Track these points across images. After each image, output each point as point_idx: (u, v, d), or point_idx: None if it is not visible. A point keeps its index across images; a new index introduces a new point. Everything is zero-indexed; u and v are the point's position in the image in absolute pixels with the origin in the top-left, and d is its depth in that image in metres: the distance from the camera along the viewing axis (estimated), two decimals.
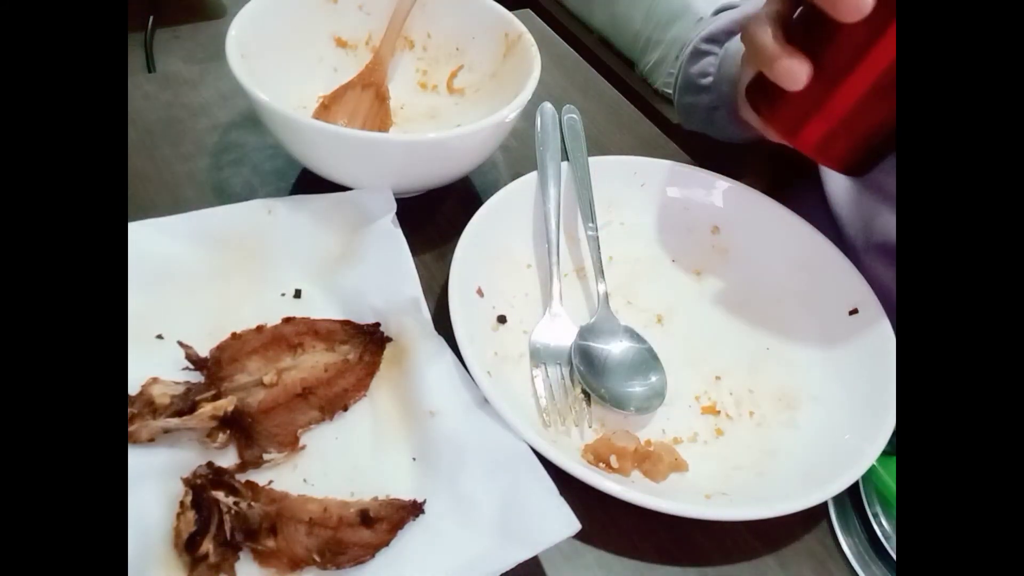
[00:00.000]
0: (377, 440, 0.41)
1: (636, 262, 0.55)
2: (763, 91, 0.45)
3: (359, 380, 0.43)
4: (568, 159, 0.55)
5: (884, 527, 0.41)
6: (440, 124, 0.60)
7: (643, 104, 1.10)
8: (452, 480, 0.38)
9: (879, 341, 0.47)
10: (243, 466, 0.38)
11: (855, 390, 0.46)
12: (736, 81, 0.53)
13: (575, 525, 0.36)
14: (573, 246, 0.54)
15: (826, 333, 0.50)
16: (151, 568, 0.34)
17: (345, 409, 0.42)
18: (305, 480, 0.39)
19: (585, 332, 0.47)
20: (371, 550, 0.35)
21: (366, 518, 0.36)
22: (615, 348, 0.47)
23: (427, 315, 0.44)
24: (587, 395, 0.45)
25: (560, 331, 0.48)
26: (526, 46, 0.56)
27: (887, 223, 0.54)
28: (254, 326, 0.43)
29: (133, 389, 0.39)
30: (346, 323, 0.44)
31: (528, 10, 0.76)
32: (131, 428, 0.37)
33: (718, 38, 0.58)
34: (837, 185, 0.59)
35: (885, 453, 0.41)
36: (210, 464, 0.37)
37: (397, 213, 0.48)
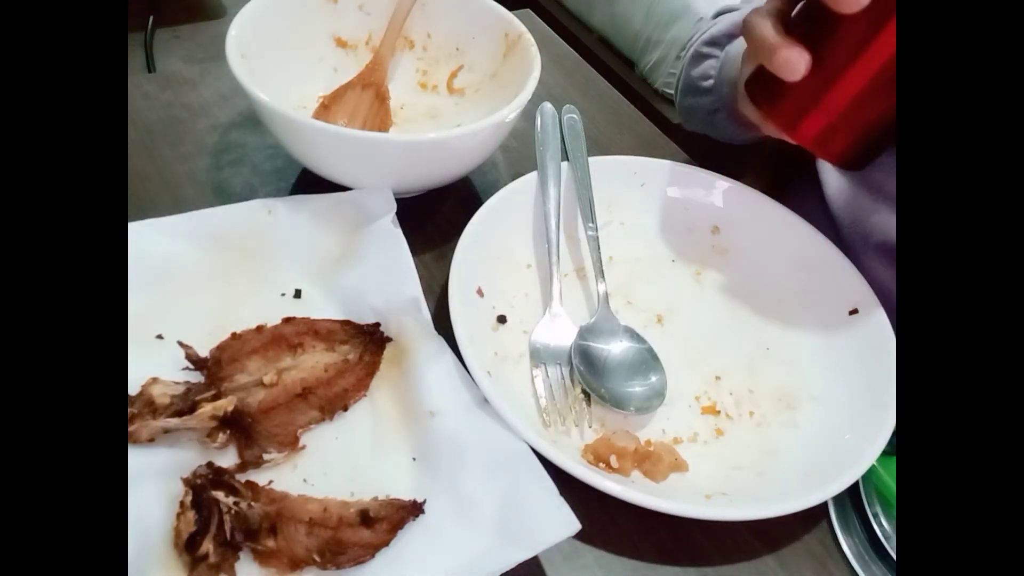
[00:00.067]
0: (377, 440, 0.41)
1: (636, 262, 0.55)
2: (763, 85, 0.45)
3: (359, 380, 0.43)
4: (568, 159, 0.55)
5: (884, 527, 0.41)
6: (440, 124, 0.60)
7: (643, 104, 1.10)
8: (452, 480, 0.38)
9: (879, 341, 0.47)
10: (243, 466, 0.38)
11: (855, 390, 0.46)
12: (736, 83, 0.53)
13: (575, 525, 0.36)
14: (573, 246, 0.54)
15: (826, 333, 0.50)
16: (151, 568, 0.34)
17: (345, 409, 0.42)
18: (305, 480, 0.39)
19: (585, 332, 0.47)
20: (371, 550, 0.35)
21: (366, 518, 0.36)
22: (615, 348, 0.47)
23: (427, 315, 0.44)
24: (587, 395, 0.45)
25: (560, 331, 0.48)
26: (526, 46, 0.56)
27: (884, 222, 0.54)
28: (254, 326, 0.43)
29: (133, 389, 0.39)
30: (346, 323, 0.44)
31: (528, 10, 0.76)
32: (131, 428, 0.37)
33: (719, 41, 0.58)
34: (833, 186, 0.59)
35: (885, 453, 0.41)
36: (210, 464, 0.37)
37: (397, 213, 0.48)
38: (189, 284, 0.45)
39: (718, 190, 0.57)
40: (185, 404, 0.38)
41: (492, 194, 0.51)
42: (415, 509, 0.37)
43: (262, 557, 0.35)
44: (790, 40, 0.41)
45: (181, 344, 0.41)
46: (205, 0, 0.80)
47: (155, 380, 0.39)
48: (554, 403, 0.44)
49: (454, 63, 0.62)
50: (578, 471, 0.38)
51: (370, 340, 0.44)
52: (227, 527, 0.34)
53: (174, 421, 0.38)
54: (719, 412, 0.46)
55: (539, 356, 0.46)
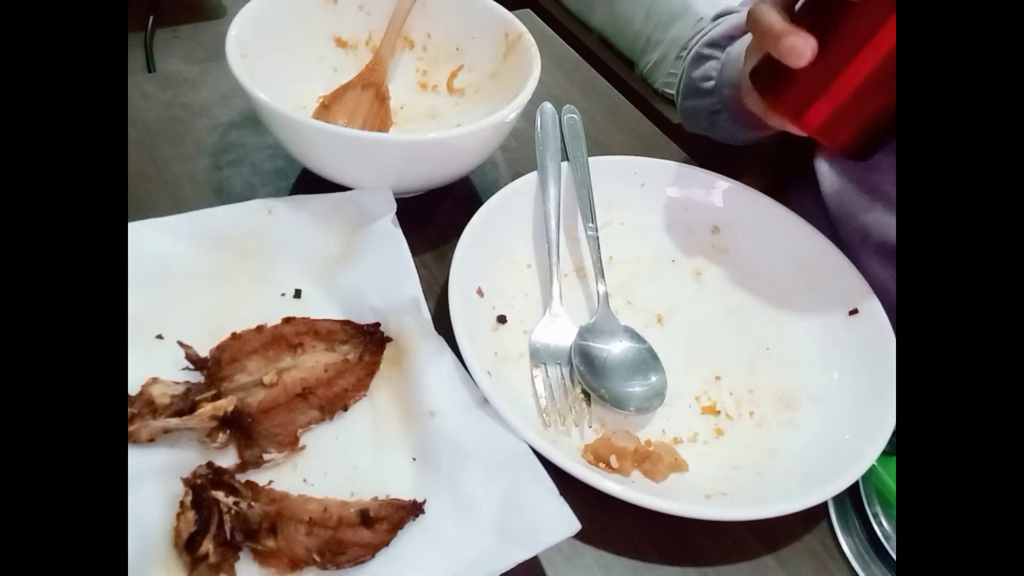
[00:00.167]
0: (377, 440, 0.41)
1: (636, 262, 0.55)
2: (768, 74, 0.45)
3: (359, 380, 0.43)
4: (568, 159, 0.55)
5: (884, 527, 0.41)
6: (440, 124, 0.60)
7: (643, 104, 1.10)
8: (452, 480, 0.38)
9: (879, 341, 0.47)
10: (243, 466, 0.38)
11: (855, 390, 0.46)
12: (737, 85, 0.53)
13: (575, 525, 0.36)
14: (573, 246, 0.54)
15: (826, 333, 0.50)
16: (151, 568, 0.34)
17: (345, 409, 0.42)
18: (305, 480, 0.39)
19: (585, 332, 0.47)
20: (371, 550, 0.35)
21: (366, 518, 0.36)
22: (615, 348, 0.47)
23: (427, 315, 0.44)
24: (587, 395, 0.45)
25: (560, 331, 0.48)
26: (526, 46, 0.56)
27: (879, 221, 0.54)
28: (254, 326, 0.43)
29: (133, 389, 0.39)
30: (346, 323, 0.44)
31: (528, 10, 0.76)
32: (131, 428, 0.37)
33: (719, 43, 0.59)
34: (829, 185, 0.59)
35: (885, 453, 0.41)
36: (210, 464, 0.37)
37: (397, 213, 0.48)
38: (189, 284, 0.45)
39: (718, 190, 0.57)
40: (185, 404, 0.38)
41: (492, 194, 0.51)
42: (415, 509, 0.37)
43: (262, 557, 0.35)
44: (796, 27, 0.41)
45: (181, 344, 0.41)
46: (205, 0, 0.80)
47: (155, 380, 0.39)
48: (554, 403, 0.44)
49: (454, 63, 0.62)
50: (578, 471, 0.38)
51: (370, 340, 0.44)
52: (227, 527, 0.34)
53: (174, 421, 0.38)
54: (719, 412, 0.46)
55: (539, 356, 0.46)
